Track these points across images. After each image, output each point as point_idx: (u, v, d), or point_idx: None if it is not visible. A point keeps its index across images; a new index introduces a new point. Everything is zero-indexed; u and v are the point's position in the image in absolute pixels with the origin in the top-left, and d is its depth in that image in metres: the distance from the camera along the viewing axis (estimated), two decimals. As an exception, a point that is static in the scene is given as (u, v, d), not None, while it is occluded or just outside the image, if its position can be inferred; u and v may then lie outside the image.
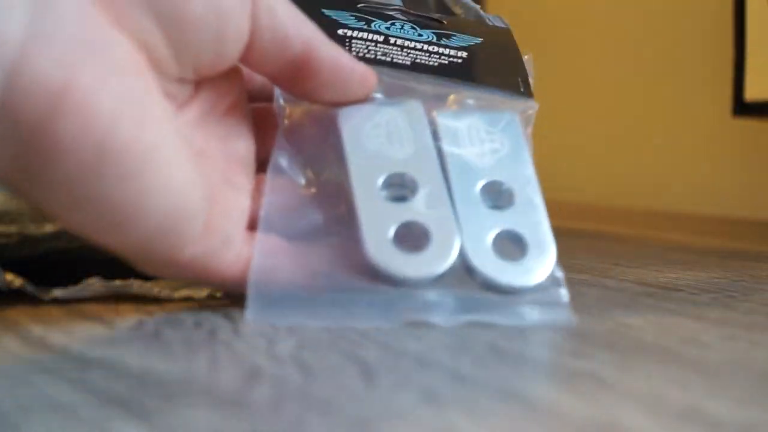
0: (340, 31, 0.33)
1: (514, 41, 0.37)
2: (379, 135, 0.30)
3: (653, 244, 0.56)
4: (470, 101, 0.32)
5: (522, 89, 0.34)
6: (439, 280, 0.27)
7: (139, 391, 0.19)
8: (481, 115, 0.31)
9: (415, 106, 0.31)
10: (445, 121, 0.31)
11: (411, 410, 0.19)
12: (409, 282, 0.27)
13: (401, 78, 0.32)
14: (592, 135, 1.02)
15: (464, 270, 0.28)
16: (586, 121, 1.03)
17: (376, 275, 0.27)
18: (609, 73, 1.00)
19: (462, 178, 0.29)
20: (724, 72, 0.75)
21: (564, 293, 0.28)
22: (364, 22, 0.35)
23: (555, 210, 0.31)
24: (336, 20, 0.34)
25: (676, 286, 0.36)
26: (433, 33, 0.35)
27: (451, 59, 0.34)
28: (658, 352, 0.24)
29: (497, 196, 0.29)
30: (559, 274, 0.28)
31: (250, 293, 0.26)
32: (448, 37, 0.35)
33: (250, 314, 0.26)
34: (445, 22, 0.37)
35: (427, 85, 0.32)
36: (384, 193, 0.29)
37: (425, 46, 0.34)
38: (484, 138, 0.31)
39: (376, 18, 0.35)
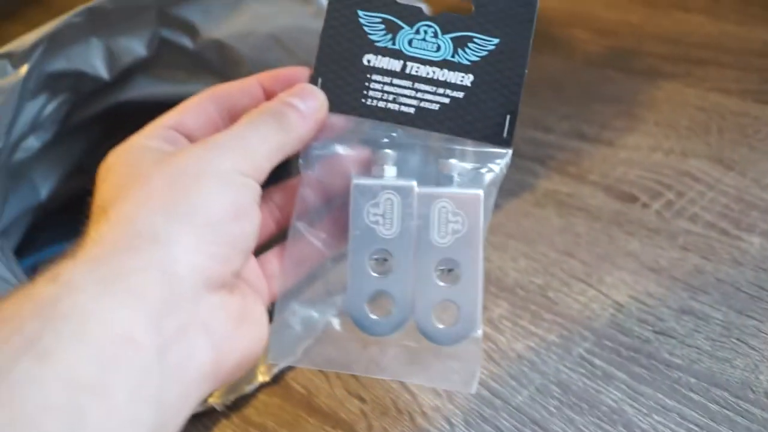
0: (365, 60, 0.42)
1: (530, 27, 0.41)
2: (377, 214, 0.41)
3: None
4: (453, 163, 0.41)
5: (505, 134, 0.41)
6: (396, 334, 0.40)
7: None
8: (451, 197, 0.41)
9: (408, 189, 0.41)
10: (422, 204, 0.41)
11: None
12: (375, 335, 0.40)
13: (401, 137, 0.41)
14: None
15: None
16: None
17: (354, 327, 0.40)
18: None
19: (424, 257, 0.40)
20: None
21: (477, 351, 0.40)
22: (390, 35, 0.42)
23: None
24: (366, 34, 0.42)
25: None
26: (452, 41, 0.42)
27: (451, 96, 0.41)
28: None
29: (448, 273, 0.41)
30: (479, 334, 0.40)
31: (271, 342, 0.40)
32: (465, 44, 0.42)
33: (271, 356, 0.40)
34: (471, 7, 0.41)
35: (418, 146, 0.41)
36: (371, 262, 0.40)
37: (436, 72, 0.41)
38: (450, 220, 0.41)
39: (405, 22, 0.42)
